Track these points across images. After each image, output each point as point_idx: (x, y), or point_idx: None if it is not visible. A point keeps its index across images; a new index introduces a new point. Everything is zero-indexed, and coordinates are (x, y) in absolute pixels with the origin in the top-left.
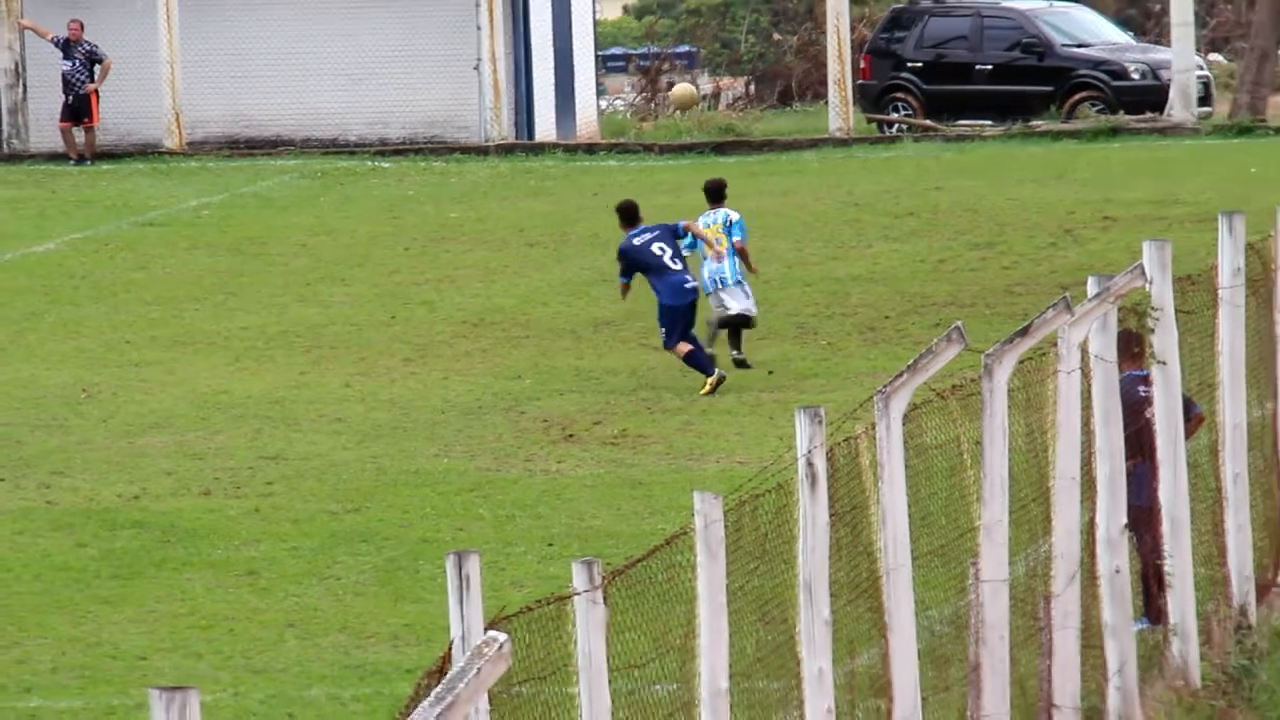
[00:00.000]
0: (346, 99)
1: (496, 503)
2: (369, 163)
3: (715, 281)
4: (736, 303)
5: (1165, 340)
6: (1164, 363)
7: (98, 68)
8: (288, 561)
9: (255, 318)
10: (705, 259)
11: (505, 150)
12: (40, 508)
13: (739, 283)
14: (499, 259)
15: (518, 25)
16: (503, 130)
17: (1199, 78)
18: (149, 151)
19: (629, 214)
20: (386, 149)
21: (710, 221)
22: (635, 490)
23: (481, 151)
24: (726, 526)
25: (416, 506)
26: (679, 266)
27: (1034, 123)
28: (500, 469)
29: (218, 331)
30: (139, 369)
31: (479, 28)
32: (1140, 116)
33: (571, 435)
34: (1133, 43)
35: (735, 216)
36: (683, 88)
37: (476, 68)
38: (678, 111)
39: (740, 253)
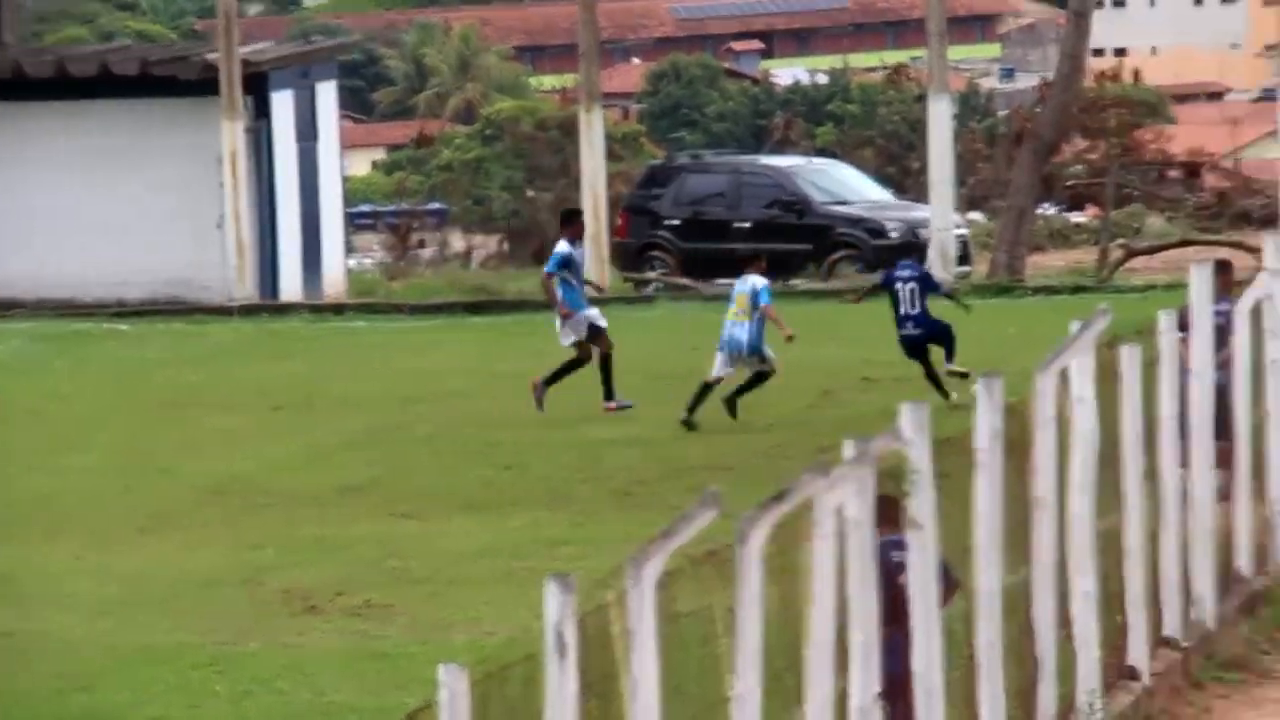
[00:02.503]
0: (83, 259)
1: (234, 678)
2: (106, 325)
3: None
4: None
5: (922, 505)
6: (921, 527)
7: None
8: None
9: None
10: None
11: (249, 311)
12: None
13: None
14: (242, 424)
15: (262, 182)
16: (247, 290)
17: (957, 236)
18: None
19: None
20: (125, 310)
21: (741, 289)
22: (380, 663)
23: (225, 312)
24: (473, 700)
25: (149, 684)
26: None
27: (793, 282)
28: (238, 643)
29: None
30: None
31: (222, 185)
32: None
33: (314, 607)
34: (892, 200)
35: (762, 284)
36: None
37: (219, 226)
38: None
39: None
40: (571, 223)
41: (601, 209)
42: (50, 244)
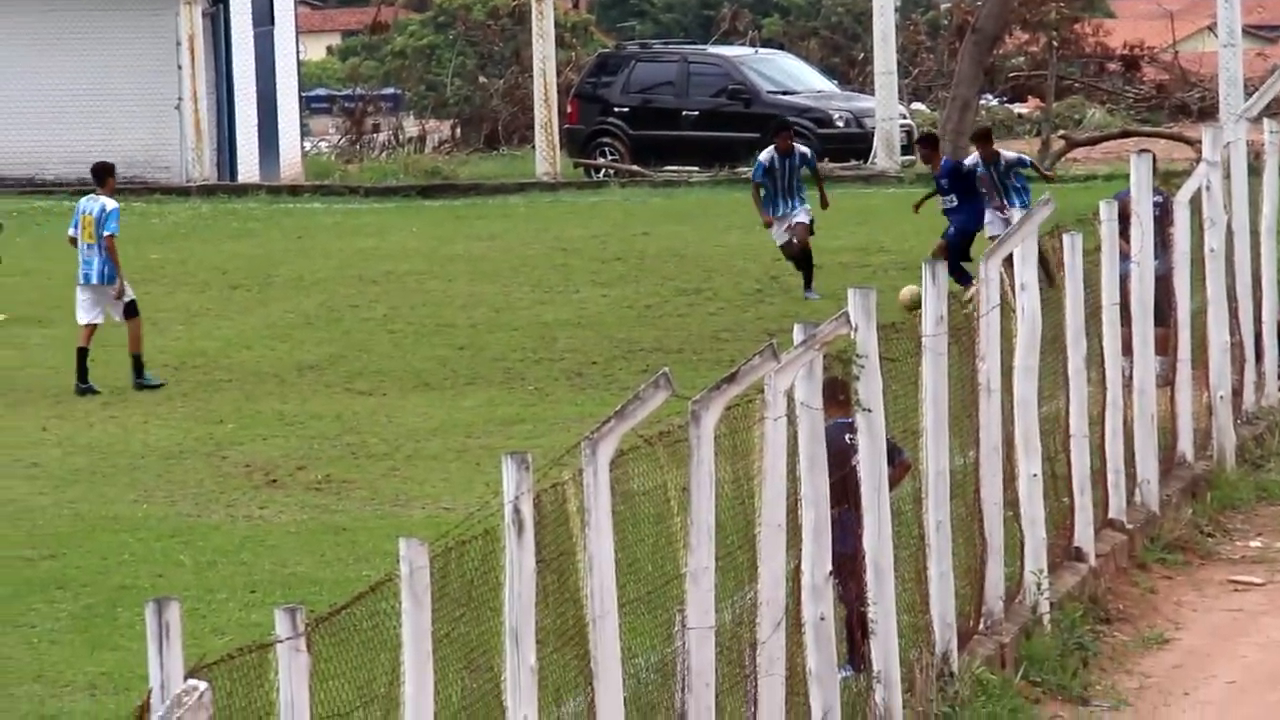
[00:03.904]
0: (43, 138)
1: (198, 549)
2: (66, 202)
3: None
4: None
5: (870, 388)
6: (869, 410)
7: None
8: None
9: None
10: None
11: (207, 191)
12: None
13: None
14: (201, 301)
15: (220, 65)
16: (205, 171)
17: (902, 126)
18: None
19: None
20: (85, 188)
21: None
22: (339, 536)
23: (183, 192)
24: (432, 573)
25: (115, 553)
26: None
27: (740, 169)
28: (202, 515)
29: None
30: None
31: (180, 67)
32: (844, 164)
33: (275, 480)
34: (837, 90)
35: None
36: (910, 290)
37: (178, 107)
38: (909, 311)
39: None
40: (779, 135)
41: (552, 96)
42: (9, 123)
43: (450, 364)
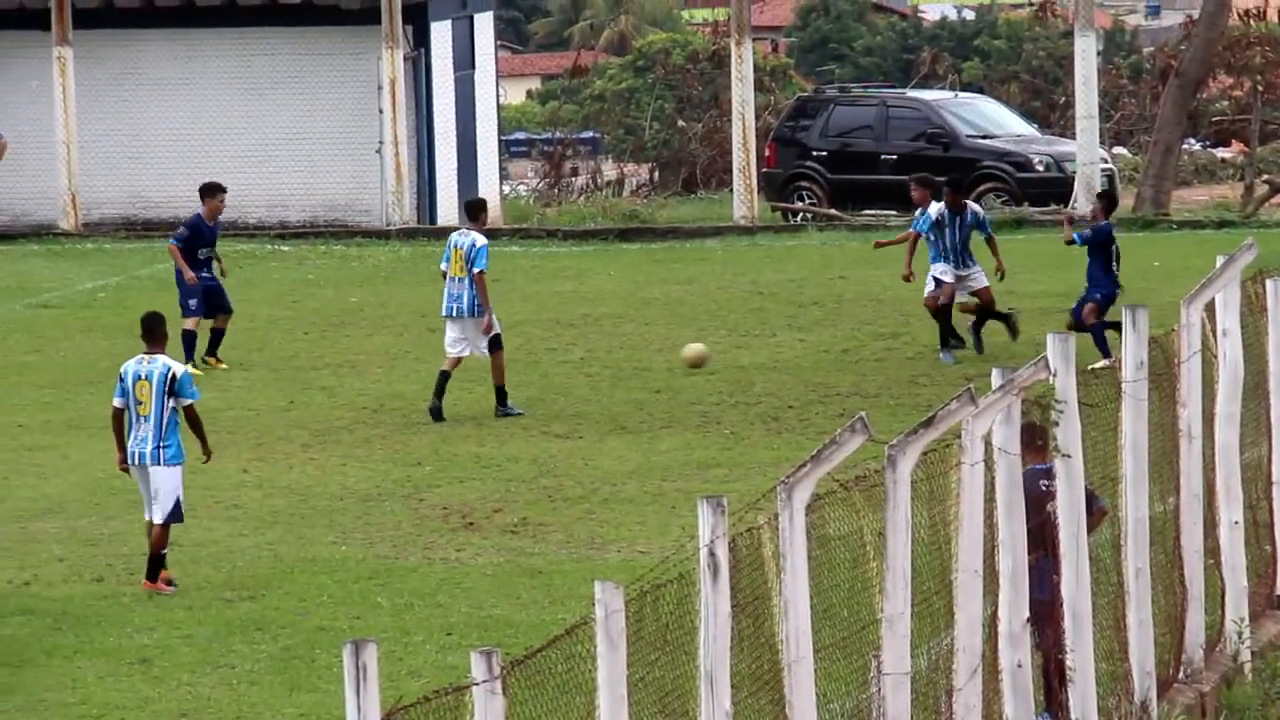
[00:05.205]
0: (246, 181)
1: (395, 591)
2: (268, 246)
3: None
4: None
5: (1069, 433)
6: (1067, 456)
7: None
8: (181, 650)
9: None
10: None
11: (407, 234)
12: None
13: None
14: (400, 344)
15: (420, 108)
16: (405, 214)
17: (1103, 171)
18: (44, 233)
19: None
20: (286, 232)
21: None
22: (535, 579)
23: (383, 235)
24: (628, 617)
25: (314, 594)
26: None
27: None
28: (399, 557)
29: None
30: (32, 453)
31: (381, 111)
32: (1044, 209)
33: (471, 523)
34: (1037, 135)
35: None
36: (694, 350)
37: (379, 151)
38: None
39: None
40: (950, 191)
41: (750, 140)
42: (214, 166)
43: (646, 407)
